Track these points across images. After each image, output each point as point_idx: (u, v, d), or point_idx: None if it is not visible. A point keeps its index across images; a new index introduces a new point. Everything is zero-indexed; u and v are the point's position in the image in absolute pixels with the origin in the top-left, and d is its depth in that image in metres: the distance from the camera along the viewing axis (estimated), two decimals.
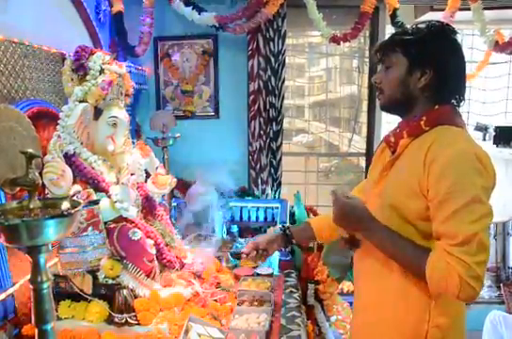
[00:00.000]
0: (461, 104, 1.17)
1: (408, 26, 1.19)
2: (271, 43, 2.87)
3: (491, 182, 1.05)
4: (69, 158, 1.56)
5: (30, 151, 0.87)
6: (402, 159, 1.15)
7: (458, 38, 1.15)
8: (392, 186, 1.14)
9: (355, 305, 1.37)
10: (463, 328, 1.18)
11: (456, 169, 1.01)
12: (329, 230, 1.46)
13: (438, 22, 1.15)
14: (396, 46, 1.15)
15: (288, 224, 1.55)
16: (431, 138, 1.08)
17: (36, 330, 0.89)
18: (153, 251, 1.64)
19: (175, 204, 2.63)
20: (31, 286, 0.87)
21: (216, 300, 1.69)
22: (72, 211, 0.84)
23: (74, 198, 0.93)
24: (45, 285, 0.87)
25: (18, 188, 0.89)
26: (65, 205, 0.89)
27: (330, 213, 1.48)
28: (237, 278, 1.94)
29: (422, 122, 1.11)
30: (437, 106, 1.13)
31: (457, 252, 0.98)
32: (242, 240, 2.49)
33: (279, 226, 1.53)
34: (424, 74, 1.12)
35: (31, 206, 0.86)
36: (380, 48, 1.20)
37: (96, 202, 1.37)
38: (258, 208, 2.71)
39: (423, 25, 1.15)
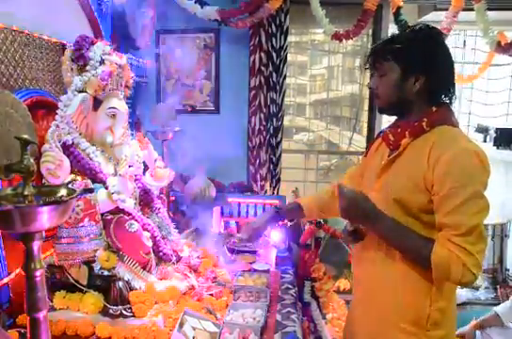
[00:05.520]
0: (453, 99, 1.23)
1: (396, 33, 1.26)
2: (273, 39, 2.86)
3: (488, 177, 1.12)
4: (67, 148, 1.56)
5: (25, 137, 0.86)
6: (403, 157, 1.21)
7: (445, 39, 1.23)
8: (396, 182, 1.20)
9: (355, 295, 1.41)
10: (455, 308, 1.26)
11: (459, 166, 1.09)
12: (317, 211, 1.58)
13: (424, 25, 1.21)
14: (387, 55, 1.20)
15: (280, 205, 1.70)
16: (433, 138, 1.15)
17: (28, 319, 0.88)
18: (150, 244, 1.64)
19: (173, 198, 2.61)
20: (24, 273, 0.86)
21: (211, 295, 1.68)
22: (67, 198, 0.83)
23: (69, 186, 0.91)
24: (38, 273, 0.86)
25: (13, 175, 0.87)
26: (59, 193, 0.88)
27: (318, 194, 1.66)
28: (234, 273, 1.94)
29: (423, 124, 1.18)
30: (434, 108, 1.19)
31: (461, 242, 1.06)
32: (239, 235, 2.48)
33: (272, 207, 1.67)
34: (417, 79, 1.18)
35: (25, 193, 0.85)
36: (372, 56, 1.25)
37: (91, 191, 1.36)
38: (256, 204, 2.70)
39: (409, 31, 1.21)
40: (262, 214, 1.77)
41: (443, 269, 1.08)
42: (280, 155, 3.06)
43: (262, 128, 2.99)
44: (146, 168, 1.91)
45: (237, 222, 2.69)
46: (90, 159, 1.59)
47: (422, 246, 1.12)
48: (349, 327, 1.44)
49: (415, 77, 1.18)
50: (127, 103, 1.79)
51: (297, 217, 1.84)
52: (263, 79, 2.92)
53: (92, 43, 1.63)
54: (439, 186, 1.10)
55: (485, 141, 4.06)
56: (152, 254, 1.66)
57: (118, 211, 1.60)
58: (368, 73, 1.31)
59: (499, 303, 2.87)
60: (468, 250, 1.06)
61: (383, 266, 1.24)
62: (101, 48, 1.63)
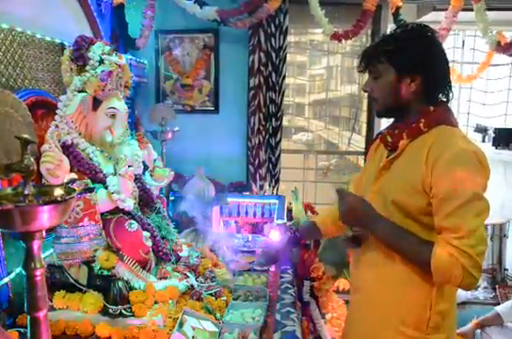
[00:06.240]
0: (450, 97, 1.21)
1: (387, 34, 1.24)
2: (272, 39, 2.86)
3: (488, 178, 1.10)
4: (66, 148, 1.56)
5: (26, 136, 0.86)
6: (401, 158, 1.20)
7: (437, 37, 1.19)
8: (394, 184, 1.19)
9: (354, 297, 1.39)
10: (456, 310, 1.25)
11: (458, 168, 1.07)
12: (333, 226, 1.53)
13: (416, 25, 1.20)
14: (381, 57, 1.18)
15: (295, 226, 1.72)
16: (431, 139, 1.13)
17: (28, 318, 0.88)
18: (149, 244, 1.64)
19: (172, 198, 2.62)
20: (24, 273, 0.86)
21: (211, 294, 1.68)
22: (67, 197, 0.83)
23: (69, 185, 0.92)
24: (38, 272, 0.86)
25: (13, 174, 0.88)
26: (59, 192, 0.88)
27: (331, 208, 1.59)
28: (233, 273, 1.94)
29: (421, 124, 1.16)
30: (432, 108, 1.17)
31: (460, 245, 1.04)
32: (239, 236, 2.48)
33: (288, 227, 1.68)
34: (413, 80, 1.16)
35: (26, 192, 0.85)
36: (365, 59, 1.24)
37: (90, 190, 1.36)
38: (255, 204, 2.70)
39: (401, 32, 1.19)
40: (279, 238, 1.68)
41: (444, 273, 1.07)
42: (279, 155, 3.06)
43: (261, 128, 2.99)
44: (145, 168, 1.91)
45: (236, 222, 2.69)
46: (90, 159, 1.60)
47: (422, 249, 1.11)
48: (348, 329, 1.43)
49: (411, 78, 1.16)
50: (126, 103, 1.79)
51: (315, 237, 1.84)
52: (262, 79, 2.93)
53: (92, 43, 1.63)
54: (437, 189, 1.09)
55: (484, 141, 4.08)
56: (152, 254, 1.66)
57: (117, 211, 1.60)
58: (367, 74, 1.30)
59: (498, 303, 2.87)
60: (468, 253, 1.04)
61: (383, 268, 1.23)
62: (100, 48, 1.63)
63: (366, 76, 1.28)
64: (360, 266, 1.33)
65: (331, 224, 1.54)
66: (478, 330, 2.17)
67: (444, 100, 1.21)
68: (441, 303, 1.17)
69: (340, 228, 1.53)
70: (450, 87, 1.21)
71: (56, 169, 1.46)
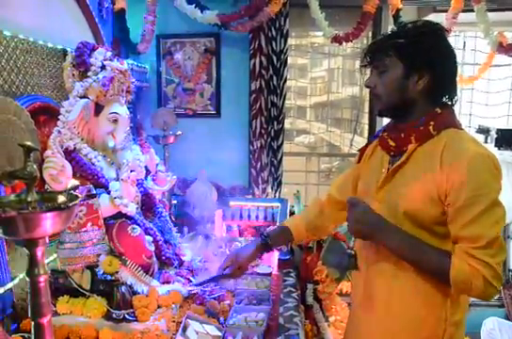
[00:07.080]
0: (455, 100, 1.16)
1: (397, 29, 1.17)
2: (273, 42, 2.87)
3: (501, 182, 1.06)
4: (69, 154, 1.57)
5: (28, 144, 0.87)
6: (410, 164, 1.13)
7: (447, 35, 1.14)
8: (406, 193, 1.11)
9: (357, 303, 1.34)
10: (466, 317, 1.20)
11: (475, 174, 1.02)
12: (306, 232, 1.49)
13: (427, 21, 1.14)
14: (389, 50, 1.11)
15: (267, 231, 1.51)
16: (441, 143, 1.08)
17: (32, 324, 0.89)
18: (152, 248, 1.65)
19: (175, 202, 2.62)
20: (28, 279, 0.87)
21: (214, 298, 1.69)
22: (70, 204, 0.84)
23: (72, 192, 0.92)
24: (42, 278, 0.87)
25: (16, 181, 0.88)
26: (62, 199, 0.89)
27: (305, 213, 1.55)
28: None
29: (430, 128, 1.10)
30: (438, 109, 1.12)
31: (480, 255, 1.00)
32: (241, 239, 2.49)
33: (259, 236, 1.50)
34: (421, 77, 1.10)
35: (29, 199, 0.86)
36: (371, 52, 1.17)
37: (93, 196, 1.36)
38: (258, 207, 2.70)
39: (412, 26, 1.12)
40: (247, 244, 1.53)
41: (464, 285, 1.02)
42: (281, 158, 3.06)
43: (263, 131, 2.99)
44: (148, 172, 1.92)
45: (239, 225, 2.69)
46: (93, 164, 1.61)
47: (439, 260, 1.05)
48: (350, 336, 1.38)
49: (418, 75, 1.09)
50: (128, 108, 1.80)
51: (286, 243, 1.66)
52: (263, 82, 2.93)
53: (93, 49, 1.65)
54: (454, 197, 1.03)
55: (486, 142, 4.06)
56: (155, 258, 1.67)
57: (120, 215, 1.61)
58: (370, 71, 1.19)
59: (502, 305, 2.86)
60: (489, 264, 0.99)
61: (394, 278, 1.16)
62: (102, 54, 1.64)
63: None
64: (366, 276, 1.24)
65: (304, 230, 1.48)
66: (486, 329, 2.17)
67: (448, 103, 1.15)
68: (456, 314, 1.12)
69: (313, 234, 1.51)
70: (456, 89, 1.15)
71: (59, 175, 1.47)
